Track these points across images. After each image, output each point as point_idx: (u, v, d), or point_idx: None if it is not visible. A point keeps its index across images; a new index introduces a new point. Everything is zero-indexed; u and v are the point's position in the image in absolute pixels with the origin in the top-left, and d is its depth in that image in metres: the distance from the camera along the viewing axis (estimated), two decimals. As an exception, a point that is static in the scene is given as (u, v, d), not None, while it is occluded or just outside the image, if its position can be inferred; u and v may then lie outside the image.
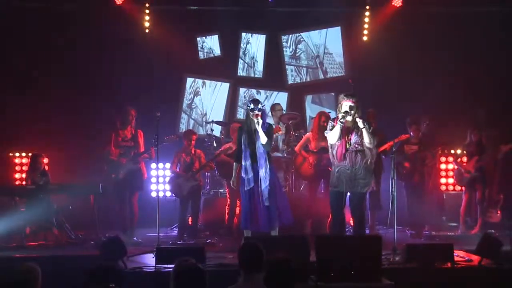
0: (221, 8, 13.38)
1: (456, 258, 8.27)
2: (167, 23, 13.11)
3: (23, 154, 12.82)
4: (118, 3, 12.82)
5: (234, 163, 9.41)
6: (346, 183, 8.72)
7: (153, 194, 12.69)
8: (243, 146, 9.05)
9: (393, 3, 13.21)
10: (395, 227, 9.07)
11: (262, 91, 13.83)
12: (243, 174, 9.03)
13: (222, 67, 13.83)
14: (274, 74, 13.88)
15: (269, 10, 13.48)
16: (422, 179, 11.46)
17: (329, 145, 9.06)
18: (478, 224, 11.39)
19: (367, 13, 13.47)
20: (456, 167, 12.03)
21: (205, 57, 13.78)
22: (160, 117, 12.15)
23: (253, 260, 5.37)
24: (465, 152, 11.61)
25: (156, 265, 7.88)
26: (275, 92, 13.78)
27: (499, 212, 11.74)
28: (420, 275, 7.67)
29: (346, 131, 8.82)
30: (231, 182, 9.50)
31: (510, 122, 12.24)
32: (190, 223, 10.99)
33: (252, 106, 8.99)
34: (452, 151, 12.77)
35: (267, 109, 11.70)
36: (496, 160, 11.73)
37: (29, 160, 11.05)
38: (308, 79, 13.95)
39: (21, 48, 12.65)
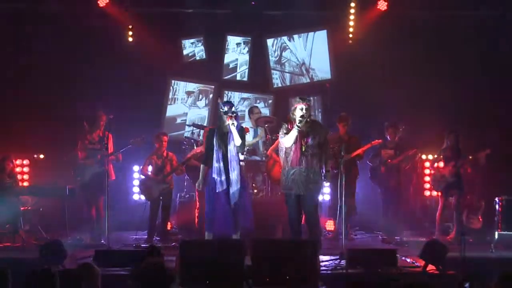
0: (206, 11, 13.36)
1: (403, 263, 8.23)
2: (151, 25, 13.06)
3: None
4: (101, 5, 12.81)
5: (201, 166, 9.36)
6: (301, 185, 8.70)
7: (135, 197, 12.72)
8: (215, 148, 9.00)
9: (378, 7, 13.10)
10: (343, 231, 8.99)
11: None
12: (215, 176, 8.95)
13: (207, 70, 13.75)
14: (259, 77, 13.82)
15: (255, 13, 13.43)
16: (398, 184, 11.41)
17: (280, 148, 9.04)
18: (454, 231, 11.23)
19: (352, 17, 13.36)
20: (433, 172, 11.89)
21: (190, 60, 13.73)
22: (145, 120, 12.47)
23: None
24: (441, 157, 11.42)
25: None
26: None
27: (480, 218, 11.63)
28: (362, 280, 7.59)
29: (301, 135, 8.79)
30: (197, 184, 9.46)
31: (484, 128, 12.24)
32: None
33: (226, 108, 8.96)
34: (430, 156, 12.62)
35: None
36: (477, 166, 11.60)
37: None
38: (293, 83, 13.90)
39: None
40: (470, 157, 11.22)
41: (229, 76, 13.81)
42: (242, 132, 9.08)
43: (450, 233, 11.30)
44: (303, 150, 8.77)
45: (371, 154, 11.56)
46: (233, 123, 8.82)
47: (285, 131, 8.92)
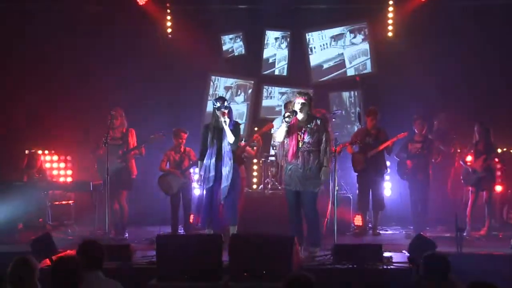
0: (245, 7, 13.43)
1: (399, 259, 8.09)
2: (190, 22, 13.24)
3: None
4: (141, 3, 13.05)
5: (199, 162, 9.45)
6: (298, 181, 8.65)
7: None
8: (209, 144, 9.09)
9: (418, -3, 12.89)
10: (335, 226, 8.84)
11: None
12: (204, 173, 9.10)
13: (246, 65, 13.81)
14: (298, 72, 13.72)
15: (294, 7, 13.40)
16: (426, 178, 11.14)
17: (276, 144, 9.02)
18: (486, 226, 10.90)
19: (390, 9, 13.15)
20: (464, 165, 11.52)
21: (229, 55, 13.80)
22: (183, 116, 12.61)
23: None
24: (472, 151, 11.05)
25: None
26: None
27: (519, 213, 11.28)
28: (347, 275, 7.53)
29: (298, 130, 8.75)
30: (196, 180, 9.58)
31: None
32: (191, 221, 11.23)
33: (218, 104, 9.01)
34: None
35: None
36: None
37: (26, 157, 11.48)
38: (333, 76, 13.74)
39: (49, 48, 12.96)
40: (501, 151, 10.90)
41: (268, 71, 13.80)
42: (236, 128, 9.12)
43: (481, 229, 10.95)
44: (299, 146, 8.72)
45: (398, 149, 11.33)
46: (224, 121, 8.88)
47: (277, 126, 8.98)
